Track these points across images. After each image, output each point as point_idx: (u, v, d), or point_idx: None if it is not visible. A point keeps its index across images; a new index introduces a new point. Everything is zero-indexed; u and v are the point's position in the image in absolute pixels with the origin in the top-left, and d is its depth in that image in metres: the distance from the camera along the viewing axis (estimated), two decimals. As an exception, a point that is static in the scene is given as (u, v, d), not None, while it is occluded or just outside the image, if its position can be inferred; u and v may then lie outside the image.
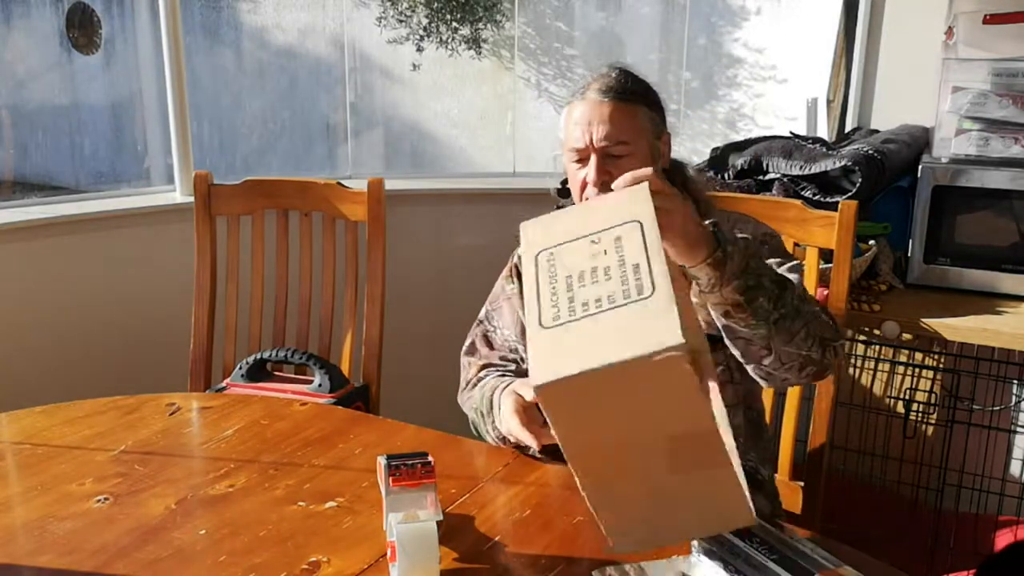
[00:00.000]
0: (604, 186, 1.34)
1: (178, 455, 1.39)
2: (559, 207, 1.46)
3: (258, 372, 1.77)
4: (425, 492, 1.09)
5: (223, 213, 1.97)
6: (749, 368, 1.28)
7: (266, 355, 1.76)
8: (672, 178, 1.40)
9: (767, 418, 1.59)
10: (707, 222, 1.17)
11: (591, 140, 1.35)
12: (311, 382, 1.73)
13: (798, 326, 1.22)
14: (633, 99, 1.36)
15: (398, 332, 2.20)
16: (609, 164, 1.34)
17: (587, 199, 1.37)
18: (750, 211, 1.69)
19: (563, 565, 1.10)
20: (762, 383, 1.31)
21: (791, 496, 1.65)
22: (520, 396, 1.32)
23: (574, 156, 1.37)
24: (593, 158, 1.35)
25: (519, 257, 1.54)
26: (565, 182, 1.46)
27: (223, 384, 1.76)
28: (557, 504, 1.24)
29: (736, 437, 1.34)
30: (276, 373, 1.81)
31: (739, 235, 1.22)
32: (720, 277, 1.16)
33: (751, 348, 1.24)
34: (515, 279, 1.56)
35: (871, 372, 2.18)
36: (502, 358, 1.56)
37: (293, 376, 1.82)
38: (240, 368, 1.76)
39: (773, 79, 2.94)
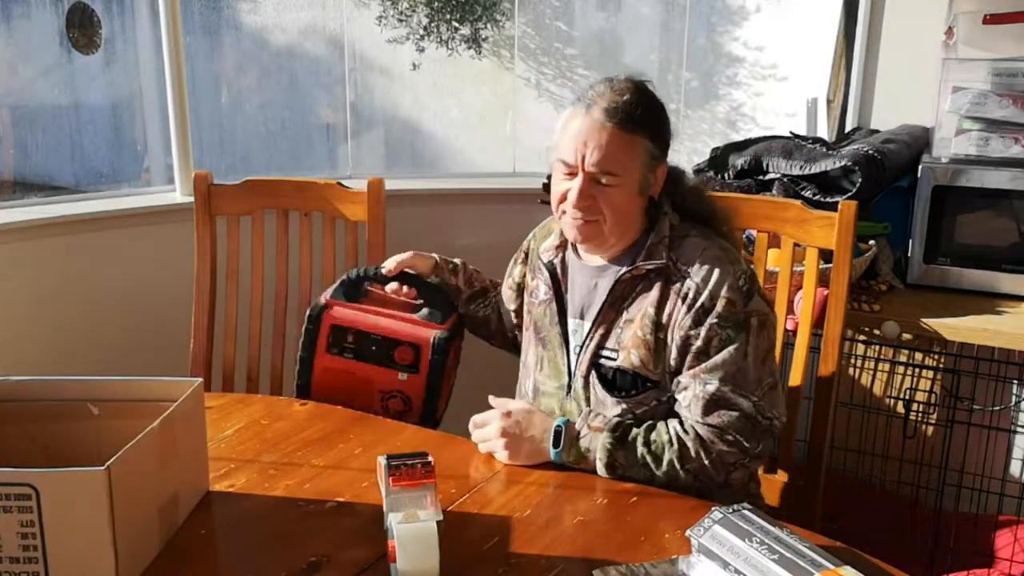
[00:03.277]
0: (586, 210, 1.33)
1: (178, 455, 1.39)
2: (543, 202, 1.49)
3: (356, 291, 1.60)
4: (425, 492, 1.09)
5: (223, 213, 1.97)
6: None
7: (360, 272, 1.60)
8: (669, 193, 1.42)
9: None
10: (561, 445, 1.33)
11: (582, 161, 1.32)
12: (416, 307, 1.60)
13: (682, 483, 1.31)
14: (635, 129, 1.32)
15: (398, 332, 2.20)
16: (594, 189, 1.33)
17: (563, 212, 1.37)
18: (750, 211, 1.69)
19: (563, 565, 1.10)
20: None
21: (791, 496, 1.65)
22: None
23: (563, 168, 1.35)
24: (580, 179, 1.33)
25: (529, 244, 1.59)
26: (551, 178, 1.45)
27: (322, 302, 1.59)
28: (557, 504, 1.25)
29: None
30: (373, 291, 1.63)
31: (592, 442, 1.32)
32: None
33: None
34: (518, 263, 1.62)
35: (871, 372, 2.18)
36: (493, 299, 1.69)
37: (391, 297, 1.63)
38: (341, 285, 1.60)
39: (773, 77, 2.94)
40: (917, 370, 2.10)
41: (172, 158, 2.47)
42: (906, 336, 1.94)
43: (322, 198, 1.94)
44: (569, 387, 1.43)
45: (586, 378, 1.40)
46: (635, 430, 1.32)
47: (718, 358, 1.30)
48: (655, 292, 1.35)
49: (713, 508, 1.07)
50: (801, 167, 2.05)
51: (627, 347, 1.36)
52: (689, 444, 1.29)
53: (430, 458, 1.14)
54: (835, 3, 2.55)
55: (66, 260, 2.28)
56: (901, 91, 2.47)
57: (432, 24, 3.08)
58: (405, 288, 1.61)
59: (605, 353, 1.38)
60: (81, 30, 2.47)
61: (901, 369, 2.14)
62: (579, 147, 1.32)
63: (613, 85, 1.34)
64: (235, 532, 1.20)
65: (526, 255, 1.60)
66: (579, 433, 1.33)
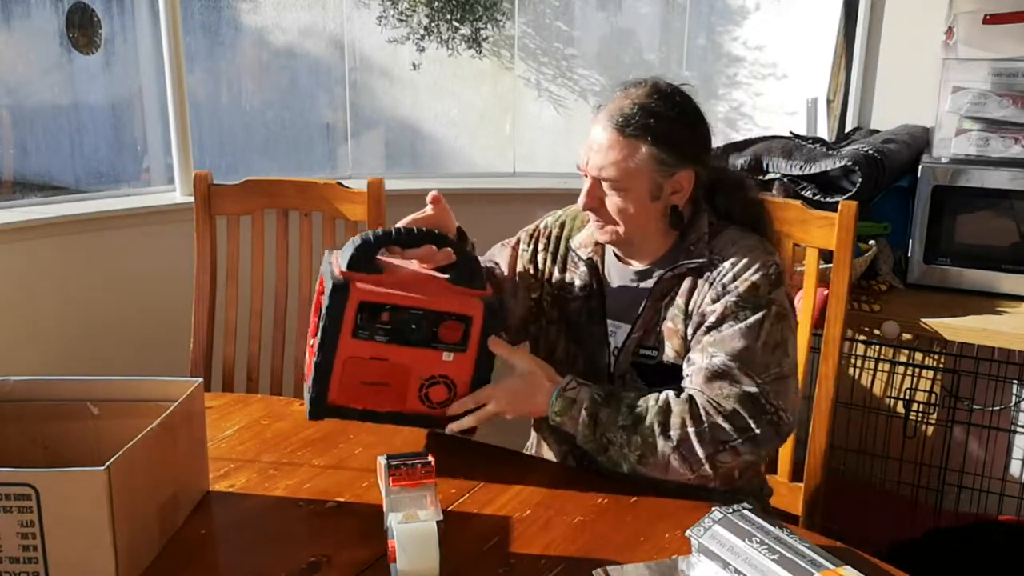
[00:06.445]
0: (596, 213, 1.35)
1: (178, 455, 1.39)
2: None
3: (372, 259, 1.28)
4: (425, 492, 1.09)
5: (223, 213, 1.97)
6: None
7: (378, 234, 1.28)
8: (718, 199, 1.40)
9: None
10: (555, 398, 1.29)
11: (587, 164, 1.34)
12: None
13: (660, 454, 1.25)
14: (635, 134, 1.29)
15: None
16: (601, 193, 1.34)
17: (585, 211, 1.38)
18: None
19: (563, 565, 1.10)
20: None
21: (791, 496, 1.65)
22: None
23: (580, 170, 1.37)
24: (587, 182, 1.35)
25: (544, 226, 1.53)
26: None
27: (338, 274, 1.26)
28: (557, 504, 1.25)
29: None
30: (389, 259, 1.35)
31: (584, 409, 1.28)
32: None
33: None
34: (540, 251, 1.50)
35: (871, 372, 2.18)
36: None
37: (410, 263, 1.36)
38: (356, 252, 1.27)
39: (773, 76, 2.94)
40: (917, 370, 2.10)
41: (172, 158, 2.47)
42: (906, 336, 1.94)
43: (322, 198, 1.94)
44: None
45: (623, 379, 1.38)
46: (625, 392, 1.30)
47: (727, 332, 1.28)
48: (687, 283, 1.34)
49: (713, 508, 1.07)
50: (801, 167, 2.05)
51: (663, 341, 1.35)
52: (675, 409, 1.25)
53: (430, 458, 1.14)
54: (835, 3, 2.55)
55: (66, 260, 2.28)
56: (901, 91, 2.47)
57: (432, 24, 3.07)
58: (439, 251, 1.32)
59: (644, 352, 1.37)
60: (81, 30, 2.47)
61: (901, 369, 2.14)
62: (585, 151, 1.34)
63: (627, 90, 1.34)
64: (235, 532, 1.20)
65: (549, 243, 1.51)
66: (567, 384, 1.30)
